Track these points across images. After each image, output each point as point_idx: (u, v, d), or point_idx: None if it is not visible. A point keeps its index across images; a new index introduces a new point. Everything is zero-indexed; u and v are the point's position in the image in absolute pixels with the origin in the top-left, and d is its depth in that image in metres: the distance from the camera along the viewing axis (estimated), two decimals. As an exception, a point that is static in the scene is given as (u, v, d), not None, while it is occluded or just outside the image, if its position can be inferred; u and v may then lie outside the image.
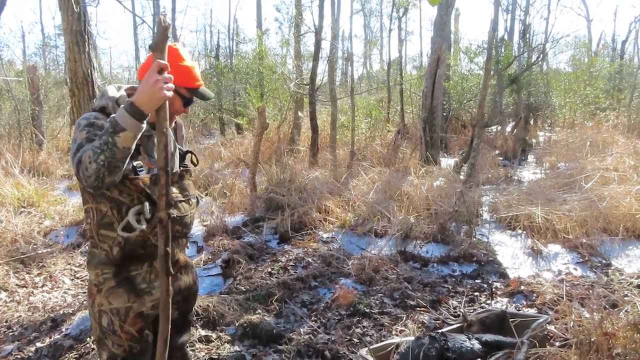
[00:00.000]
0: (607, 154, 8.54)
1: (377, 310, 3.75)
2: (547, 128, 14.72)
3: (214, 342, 3.37)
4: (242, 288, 4.15)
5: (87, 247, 3.80)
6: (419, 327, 3.35)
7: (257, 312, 3.74)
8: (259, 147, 6.11)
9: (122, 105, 1.54)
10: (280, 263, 4.73)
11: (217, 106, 13.03)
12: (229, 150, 10.46)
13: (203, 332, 3.46)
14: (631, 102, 14.11)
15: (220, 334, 3.47)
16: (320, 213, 6.01)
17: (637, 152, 8.90)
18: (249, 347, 3.34)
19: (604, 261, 4.57)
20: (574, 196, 5.72)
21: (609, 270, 4.33)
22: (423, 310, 3.69)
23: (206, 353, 3.22)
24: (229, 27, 19.33)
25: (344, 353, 3.15)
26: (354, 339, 3.37)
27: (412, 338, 2.91)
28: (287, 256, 4.95)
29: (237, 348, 3.31)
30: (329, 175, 7.27)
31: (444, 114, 11.63)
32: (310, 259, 4.84)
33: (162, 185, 1.57)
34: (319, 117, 9.22)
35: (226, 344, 3.36)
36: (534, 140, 12.72)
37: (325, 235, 5.57)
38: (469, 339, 2.78)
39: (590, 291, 3.81)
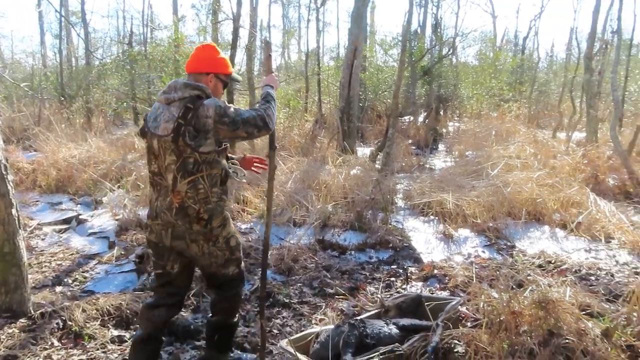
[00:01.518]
0: (510, 142, 9.16)
1: (296, 300, 3.74)
2: (456, 118, 15.54)
3: (127, 342, 3.19)
4: (157, 284, 3.96)
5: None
6: (338, 315, 3.38)
7: (172, 308, 3.59)
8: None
9: (269, 91, 2.52)
10: (197, 256, 4.57)
11: (130, 95, 12.32)
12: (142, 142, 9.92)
13: (115, 332, 3.28)
14: (531, 94, 15.23)
15: (134, 333, 3.29)
16: (238, 204, 5.90)
17: (537, 140, 9.64)
18: (165, 344, 3.19)
19: (508, 243, 4.90)
20: (481, 183, 6.08)
21: (514, 252, 4.66)
22: (342, 298, 3.74)
23: (119, 354, 3.04)
24: (143, 12, 18.44)
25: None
26: (274, 330, 3.34)
27: (332, 326, 2.93)
28: (204, 249, 4.79)
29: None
30: (247, 166, 7.13)
31: (360, 104, 11.86)
32: (228, 251, 4.72)
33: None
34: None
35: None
36: (444, 130, 13.39)
37: (243, 226, 5.47)
38: (387, 324, 2.85)
39: (498, 272, 4.06)
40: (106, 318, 3.39)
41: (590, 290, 3.68)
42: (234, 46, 7.88)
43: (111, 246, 4.97)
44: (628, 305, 3.00)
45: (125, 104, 12.89)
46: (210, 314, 2.85)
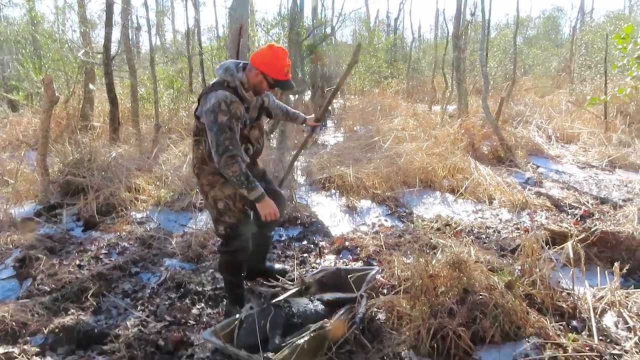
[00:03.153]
0: (394, 116, 9.62)
1: (210, 287, 3.57)
2: (338, 95, 15.93)
3: (17, 358, 2.79)
4: (47, 288, 3.52)
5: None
6: (257, 298, 3.29)
7: (69, 312, 3.23)
8: (48, 125, 5.19)
9: (252, 192, 2.72)
10: (89, 252, 4.16)
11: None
12: (4, 131, 8.81)
13: (1, 350, 2.84)
14: (408, 71, 16.09)
15: (25, 346, 2.89)
16: (130, 192, 5.45)
17: (417, 114, 10.24)
18: (65, 355, 2.86)
19: (407, 211, 5.15)
20: (376, 155, 6.30)
21: (413, 218, 4.90)
22: (258, 280, 3.65)
23: (10, 373, 2.65)
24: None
25: (184, 339, 2.92)
26: (191, 321, 3.16)
27: (254, 310, 2.84)
28: (97, 244, 4.38)
29: (50, 359, 2.80)
30: (134, 151, 6.63)
31: (247, 84, 11.58)
32: (125, 244, 4.37)
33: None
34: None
35: (35, 357, 2.82)
36: (330, 107, 13.65)
37: (139, 216, 5.09)
38: (311, 301, 2.83)
39: (402, 238, 4.26)
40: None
41: (485, 247, 4.01)
42: (108, 23, 7.17)
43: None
44: (521, 257, 3.31)
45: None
46: None
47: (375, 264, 3.71)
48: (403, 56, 18.29)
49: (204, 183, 2.89)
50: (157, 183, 5.78)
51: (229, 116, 2.58)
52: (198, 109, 2.76)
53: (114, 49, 7.62)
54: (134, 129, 7.66)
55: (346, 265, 3.80)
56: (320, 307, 2.78)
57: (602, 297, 3.13)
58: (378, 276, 3.23)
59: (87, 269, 3.85)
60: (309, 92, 14.16)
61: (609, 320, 2.98)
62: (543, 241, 3.33)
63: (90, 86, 9.44)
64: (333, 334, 2.57)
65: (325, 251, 4.11)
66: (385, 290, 3.26)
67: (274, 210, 2.79)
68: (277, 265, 3.75)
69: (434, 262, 2.86)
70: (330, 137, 9.70)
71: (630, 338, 2.77)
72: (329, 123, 11.88)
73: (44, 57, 9.88)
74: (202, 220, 4.78)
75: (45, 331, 2.99)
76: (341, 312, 2.70)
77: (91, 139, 6.92)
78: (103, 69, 7.00)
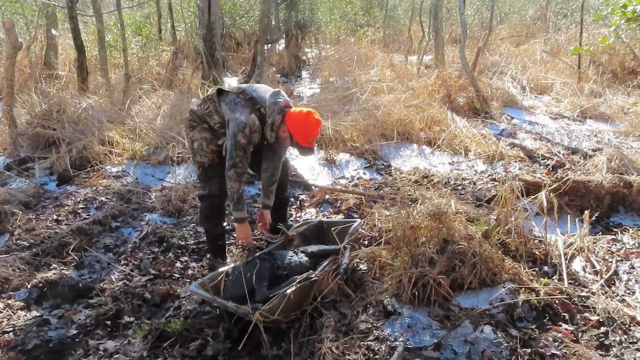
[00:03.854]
0: (370, 67, 9.50)
1: (193, 241, 3.60)
2: (313, 45, 15.59)
3: (2, 312, 2.80)
4: (25, 243, 3.49)
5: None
6: (241, 252, 3.33)
7: (52, 267, 3.24)
8: (12, 73, 4.95)
9: (236, 216, 3.02)
10: (67, 207, 4.11)
11: None
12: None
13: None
14: (384, 20, 15.78)
15: (9, 301, 2.91)
16: (104, 145, 5.34)
17: (393, 64, 10.14)
18: (51, 308, 2.88)
19: (385, 163, 5.20)
20: (354, 107, 6.26)
21: (392, 171, 4.96)
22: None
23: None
24: None
25: (170, 292, 2.97)
26: (176, 275, 3.20)
27: (239, 263, 2.89)
28: (73, 198, 4.32)
29: (36, 313, 2.83)
30: (105, 103, 6.42)
31: (219, 31, 11.21)
32: (103, 198, 4.32)
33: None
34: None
35: (20, 311, 2.84)
36: (304, 57, 13.38)
37: (114, 170, 5.00)
38: (296, 253, 2.89)
39: (381, 191, 4.32)
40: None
41: (461, 198, 4.12)
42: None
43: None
44: (497, 208, 3.42)
45: None
46: None
47: (355, 216, 3.78)
48: (379, 3, 17.87)
49: (186, 125, 3.11)
50: (131, 136, 5.65)
51: (247, 140, 2.80)
52: (227, 96, 2.91)
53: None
54: (103, 79, 7.37)
55: (327, 218, 3.86)
56: (305, 258, 2.84)
57: (571, 244, 3.29)
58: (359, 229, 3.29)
59: (65, 224, 3.81)
60: (283, 41, 13.84)
61: (577, 265, 3.15)
62: (518, 191, 3.43)
63: (53, 31, 8.97)
64: (320, 287, 2.65)
65: (306, 204, 4.15)
66: (366, 242, 3.34)
67: (246, 237, 3.06)
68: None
69: (414, 213, 2.92)
70: (306, 88, 9.58)
71: (597, 281, 2.94)
72: (304, 74, 11.70)
73: None
74: (181, 175, 4.74)
75: (29, 286, 2.99)
76: (325, 263, 2.76)
77: (58, 88, 6.66)
78: (67, 12, 6.62)
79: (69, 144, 5.13)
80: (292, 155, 5.39)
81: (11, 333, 2.60)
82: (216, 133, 3.02)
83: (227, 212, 3.40)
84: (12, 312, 2.81)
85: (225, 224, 3.28)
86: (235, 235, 3.23)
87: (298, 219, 3.89)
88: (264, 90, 2.99)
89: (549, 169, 4.91)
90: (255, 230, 3.59)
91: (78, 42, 6.54)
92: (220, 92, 2.96)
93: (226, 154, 2.89)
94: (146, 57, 9.95)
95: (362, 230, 3.38)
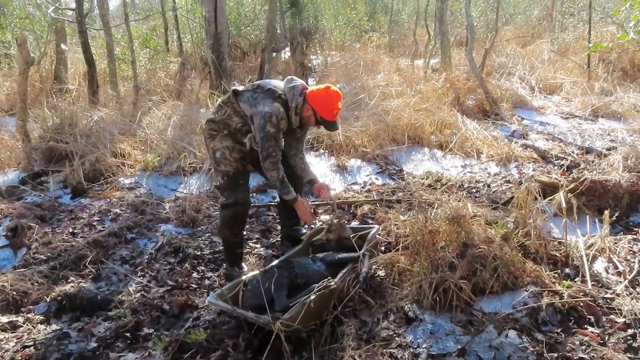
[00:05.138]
0: (377, 72, 9.49)
1: (208, 251, 3.59)
2: (319, 52, 15.61)
3: (22, 326, 2.80)
4: (43, 257, 3.50)
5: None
6: (258, 260, 3.32)
7: (69, 280, 3.24)
8: (25, 88, 4.99)
9: (288, 195, 3.07)
10: (82, 220, 4.12)
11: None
12: (-30, 97, 8.48)
13: (4, 319, 2.84)
14: (390, 24, 15.78)
15: (29, 315, 2.91)
16: (116, 158, 5.36)
17: (400, 69, 10.12)
18: (70, 321, 2.88)
19: (397, 168, 5.18)
20: (363, 113, 6.25)
21: (404, 175, 4.93)
22: (257, 241, 3.68)
23: (17, 342, 2.66)
24: None
25: (189, 302, 2.95)
26: (193, 285, 3.18)
27: (257, 272, 2.87)
28: (88, 211, 4.33)
29: (55, 327, 2.82)
30: (115, 115, 6.46)
31: (224, 41, 11.27)
32: (118, 210, 4.33)
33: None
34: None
35: (40, 325, 2.83)
36: (310, 64, 13.40)
37: (127, 181, 5.02)
38: (314, 261, 2.86)
39: (394, 196, 4.29)
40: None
41: (477, 201, 4.08)
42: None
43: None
44: (514, 210, 3.38)
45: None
46: None
47: (371, 222, 3.75)
48: (383, 8, 17.89)
49: (206, 136, 3.12)
50: (143, 147, 5.68)
51: (276, 129, 2.85)
52: (244, 95, 2.96)
53: (85, 4, 7.27)
54: (113, 92, 7.43)
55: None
56: (323, 267, 2.82)
57: (592, 245, 3.24)
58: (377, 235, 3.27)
59: (81, 237, 3.82)
60: (288, 49, 13.88)
61: (599, 266, 3.10)
62: (536, 193, 3.39)
63: (62, 46, 9.06)
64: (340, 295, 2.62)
65: (320, 211, 4.13)
66: (383, 248, 3.31)
67: (307, 213, 3.15)
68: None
69: (432, 217, 2.89)
70: (314, 94, 9.55)
71: (621, 282, 2.88)
72: (311, 81, 11.69)
73: (9, 15, 9.41)
74: (194, 185, 4.74)
75: (48, 299, 2.99)
76: (344, 271, 2.74)
77: (69, 102, 6.72)
78: (77, 27, 6.68)
79: (82, 157, 5.16)
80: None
81: (32, 347, 2.59)
82: (238, 137, 3.05)
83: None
84: (32, 326, 2.80)
85: (244, 233, 3.27)
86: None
87: (312, 226, 3.87)
88: (277, 81, 3.08)
89: (563, 170, 4.86)
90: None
91: (88, 56, 6.60)
92: (236, 93, 2.99)
93: (258, 147, 2.91)
94: (154, 68, 10.02)
95: (377, 236, 3.35)
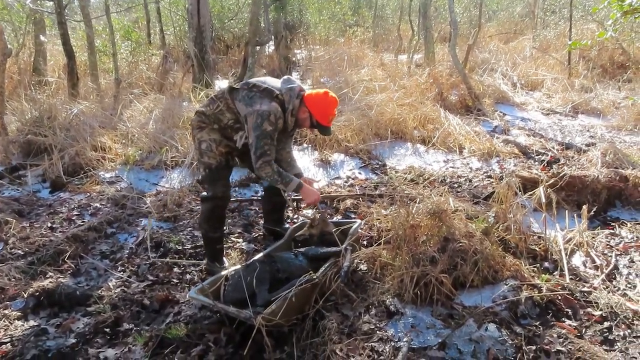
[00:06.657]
0: (361, 67, 9.48)
1: (190, 246, 3.56)
2: (302, 46, 15.55)
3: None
4: (20, 252, 3.44)
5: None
6: (240, 255, 3.30)
7: (48, 275, 3.18)
8: (2, 80, 4.88)
9: (290, 184, 2.97)
10: (61, 214, 4.05)
11: None
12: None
13: (-20, 315, 2.78)
14: (373, 19, 15.78)
15: (6, 311, 2.84)
16: (96, 151, 5.28)
17: (384, 64, 10.14)
18: (48, 317, 2.83)
19: (380, 162, 5.19)
20: (347, 107, 6.24)
21: (387, 170, 4.95)
22: (239, 235, 3.66)
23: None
24: None
25: (170, 297, 2.93)
26: (174, 280, 3.15)
27: (239, 266, 2.85)
28: (67, 205, 4.26)
29: (33, 323, 2.76)
30: (96, 108, 6.35)
31: (209, 33, 11.16)
32: (97, 204, 4.27)
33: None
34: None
35: (17, 321, 2.77)
36: (294, 58, 13.34)
37: (108, 175, 4.95)
38: (296, 256, 2.86)
39: (377, 190, 4.30)
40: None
41: (458, 196, 4.12)
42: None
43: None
44: (495, 205, 3.41)
45: None
46: None
47: (353, 216, 3.76)
48: (368, 3, 17.89)
49: (194, 126, 3.08)
50: (124, 141, 5.60)
51: (274, 127, 2.83)
52: (239, 93, 2.94)
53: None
54: (94, 84, 7.29)
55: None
56: (305, 261, 2.82)
57: (571, 239, 3.29)
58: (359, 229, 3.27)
59: (60, 231, 3.76)
60: (272, 43, 13.80)
61: (577, 260, 3.16)
62: (516, 188, 3.43)
63: (41, 37, 8.87)
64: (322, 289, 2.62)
65: (303, 205, 4.13)
66: (365, 242, 3.32)
67: (314, 194, 3.04)
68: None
69: (414, 212, 2.91)
70: (298, 88, 9.51)
71: (598, 275, 2.94)
72: (295, 75, 11.65)
73: None
74: (175, 179, 4.69)
75: (25, 295, 2.93)
76: (326, 265, 2.74)
77: (48, 95, 6.59)
78: (57, 18, 6.54)
79: (61, 151, 5.07)
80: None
81: (9, 344, 2.55)
82: (227, 132, 3.03)
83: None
84: (9, 322, 2.75)
85: (224, 228, 3.25)
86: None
87: (295, 220, 3.86)
88: (273, 80, 3.03)
89: (544, 165, 4.93)
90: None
91: (68, 48, 6.47)
92: (231, 90, 2.98)
93: (251, 147, 2.87)
94: (136, 61, 9.87)
95: (360, 230, 3.35)
